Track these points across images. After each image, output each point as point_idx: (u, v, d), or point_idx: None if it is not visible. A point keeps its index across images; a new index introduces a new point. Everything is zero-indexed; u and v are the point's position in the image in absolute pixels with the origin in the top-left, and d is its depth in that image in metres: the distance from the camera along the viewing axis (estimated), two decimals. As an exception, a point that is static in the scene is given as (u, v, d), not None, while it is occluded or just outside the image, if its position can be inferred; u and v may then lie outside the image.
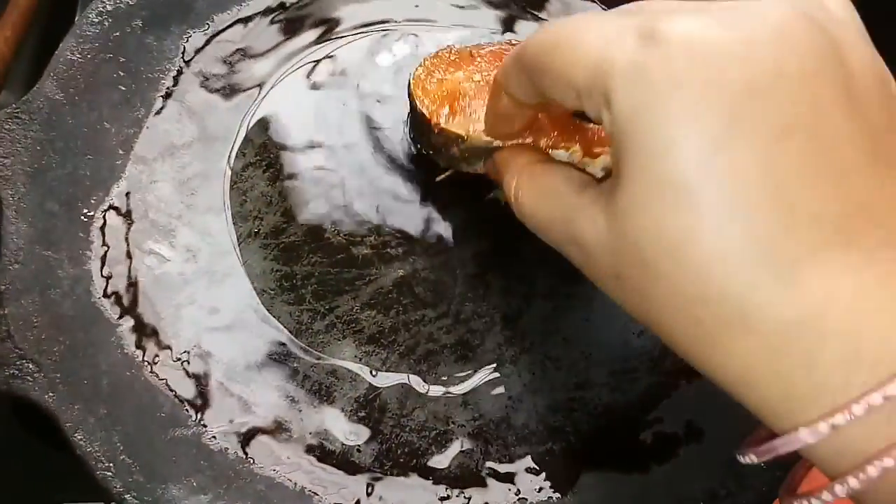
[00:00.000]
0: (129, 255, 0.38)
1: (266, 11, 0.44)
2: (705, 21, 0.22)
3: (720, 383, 0.24)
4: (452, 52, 0.41)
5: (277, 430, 0.36)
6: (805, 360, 0.21)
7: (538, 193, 0.29)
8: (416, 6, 0.45)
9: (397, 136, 0.42)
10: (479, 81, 0.40)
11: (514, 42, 0.43)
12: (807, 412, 0.21)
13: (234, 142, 0.41)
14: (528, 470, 0.37)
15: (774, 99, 0.22)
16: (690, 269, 0.22)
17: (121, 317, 0.37)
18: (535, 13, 0.46)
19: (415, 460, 0.36)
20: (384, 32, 0.45)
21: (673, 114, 0.22)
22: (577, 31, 0.25)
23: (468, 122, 0.38)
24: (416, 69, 0.41)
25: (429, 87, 0.40)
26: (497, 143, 0.36)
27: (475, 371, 0.38)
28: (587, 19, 0.25)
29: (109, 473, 0.33)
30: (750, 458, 0.25)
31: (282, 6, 0.44)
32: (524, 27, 0.46)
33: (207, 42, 0.43)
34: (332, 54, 0.43)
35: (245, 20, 0.43)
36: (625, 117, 0.23)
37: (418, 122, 0.40)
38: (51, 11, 0.52)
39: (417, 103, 0.39)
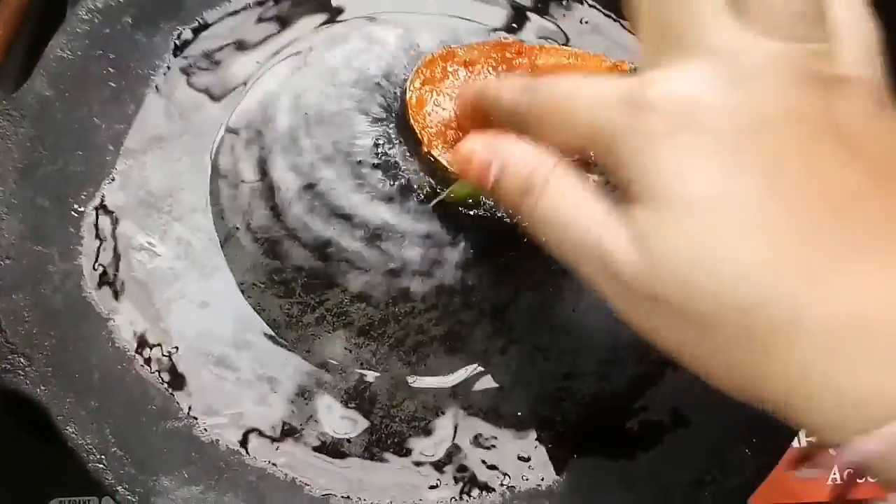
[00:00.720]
0: (119, 250, 0.38)
1: (254, 6, 0.44)
2: (689, 82, 0.24)
3: (768, 398, 0.24)
4: (447, 56, 0.42)
5: (268, 421, 0.36)
6: (861, 363, 0.22)
7: (569, 195, 0.27)
8: None
9: (387, 130, 0.42)
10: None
11: (504, 39, 0.44)
12: (865, 419, 0.21)
13: (223, 136, 0.41)
14: (518, 458, 0.37)
15: (763, 136, 0.23)
16: (734, 281, 0.23)
17: (112, 311, 0.37)
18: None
19: (405, 450, 0.37)
20: (374, 24, 0.45)
21: (676, 152, 0.24)
22: (566, 100, 0.27)
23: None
24: (413, 79, 0.41)
25: (424, 107, 0.41)
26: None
27: (464, 362, 0.38)
28: (574, 87, 0.27)
29: (101, 465, 0.34)
30: (809, 473, 0.25)
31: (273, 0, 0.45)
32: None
33: (196, 38, 0.43)
34: (319, 47, 0.44)
35: (233, 14, 0.44)
36: (627, 158, 0.24)
37: (410, 135, 0.41)
38: (42, 9, 0.52)
39: (412, 122, 0.41)
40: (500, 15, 0.46)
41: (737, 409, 0.37)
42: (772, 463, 0.37)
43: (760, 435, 0.37)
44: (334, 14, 0.45)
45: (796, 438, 0.49)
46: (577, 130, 0.26)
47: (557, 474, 0.37)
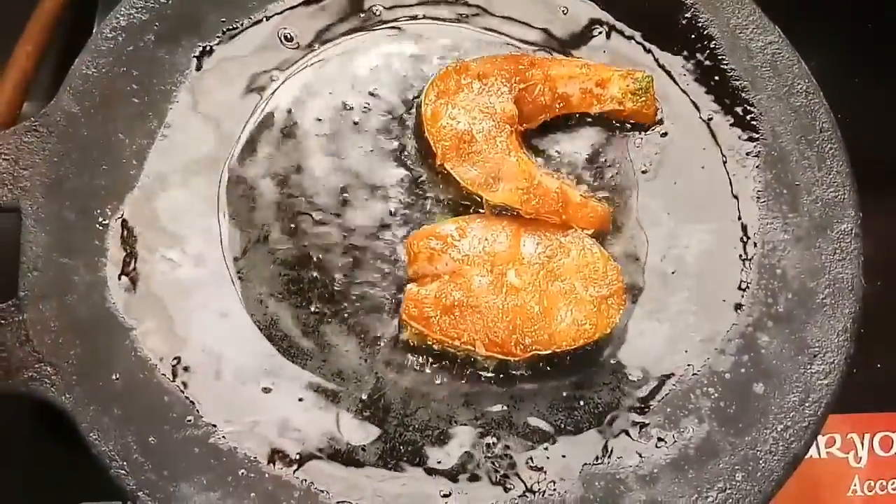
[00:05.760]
0: (142, 261, 0.39)
1: (273, 22, 0.45)
2: None
3: None
4: (461, 69, 0.42)
5: (285, 429, 0.37)
6: None
7: None
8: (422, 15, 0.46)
9: (404, 142, 0.43)
10: (489, 128, 0.41)
11: (514, 53, 0.44)
12: None
13: (241, 149, 0.42)
14: (530, 467, 0.37)
15: None
16: None
17: (134, 321, 0.38)
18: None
19: (418, 458, 0.37)
20: (390, 34, 0.45)
21: None
22: None
23: (470, 170, 0.41)
24: (427, 91, 0.42)
25: (440, 120, 0.41)
26: (487, 198, 0.40)
27: (478, 370, 0.39)
28: None
29: (123, 472, 0.35)
30: None
31: (290, 17, 0.45)
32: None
33: (217, 54, 0.44)
34: (339, 59, 0.44)
35: (253, 32, 0.44)
36: None
37: (424, 143, 0.42)
38: (71, 26, 0.53)
39: (427, 134, 0.41)
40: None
41: (755, 416, 0.38)
42: (787, 475, 0.37)
43: (780, 443, 0.37)
44: (355, 27, 0.45)
45: (813, 445, 0.49)
46: None
47: (569, 483, 0.37)
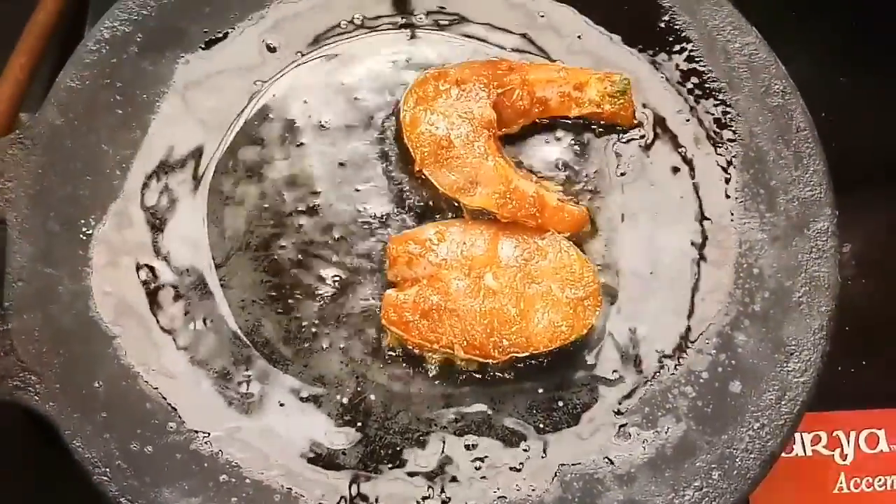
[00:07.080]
0: (125, 271, 0.40)
1: (256, 32, 0.45)
2: None
3: None
4: (440, 76, 0.43)
5: (266, 434, 0.38)
6: None
7: None
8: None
9: (385, 147, 0.43)
10: (467, 133, 0.42)
11: (494, 59, 0.44)
12: None
13: (226, 158, 0.43)
14: (509, 468, 0.38)
15: None
16: None
17: (118, 328, 0.39)
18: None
19: (398, 461, 0.38)
20: (371, 42, 0.46)
21: None
22: None
23: (448, 175, 0.41)
24: (406, 98, 0.42)
25: (419, 126, 0.42)
26: (465, 202, 0.41)
27: (457, 372, 0.39)
28: None
29: (105, 478, 0.35)
30: None
31: (272, 27, 0.46)
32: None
33: (200, 64, 0.44)
34: (316, 68, 0.45)
35: (235, 42, 0.45)
36: None
37: (404, 149, 0.42)
38: (65, 37, 0.54)
39: (406, 141, 0.42)
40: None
41: (732, 414, 0.38)
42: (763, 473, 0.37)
43: (757, 441, 0.37)
44: (336, 36, 0.46)
45: (799, 443, 0.49)
46: None
47: (548, 484, 0.37)
